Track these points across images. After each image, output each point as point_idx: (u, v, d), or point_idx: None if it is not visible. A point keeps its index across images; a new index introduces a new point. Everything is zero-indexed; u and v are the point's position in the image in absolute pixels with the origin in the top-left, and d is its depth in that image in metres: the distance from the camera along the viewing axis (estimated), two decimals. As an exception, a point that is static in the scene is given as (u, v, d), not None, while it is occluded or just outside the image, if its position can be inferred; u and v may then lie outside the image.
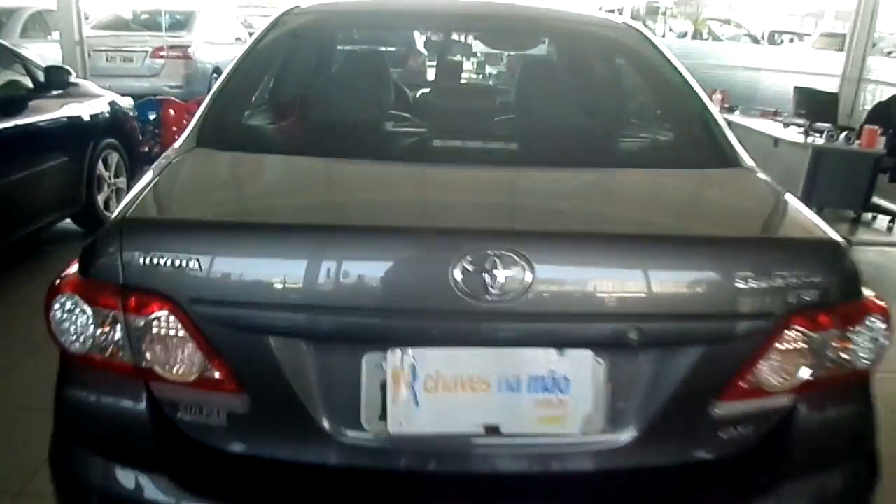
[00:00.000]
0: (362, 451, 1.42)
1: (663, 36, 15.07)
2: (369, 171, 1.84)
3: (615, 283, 1.41)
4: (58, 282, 1.48)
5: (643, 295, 1.41)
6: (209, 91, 2.21)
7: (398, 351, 1.38)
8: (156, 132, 6.60)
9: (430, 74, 4.60)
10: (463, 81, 4.72)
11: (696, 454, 1.51)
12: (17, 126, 4.08)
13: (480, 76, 6.56)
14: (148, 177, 1.72)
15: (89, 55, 7.57)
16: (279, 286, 1.36)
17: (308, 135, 2.14)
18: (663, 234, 1.55)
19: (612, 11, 9.03)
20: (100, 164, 4.91)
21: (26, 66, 4.51)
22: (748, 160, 1.98)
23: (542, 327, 1.40)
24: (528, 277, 1.35)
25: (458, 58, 4.63)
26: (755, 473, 1.50)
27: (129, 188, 5.15)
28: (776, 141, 6.54)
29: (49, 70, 4.60)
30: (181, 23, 9.94)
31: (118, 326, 1.40)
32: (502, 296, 1.35)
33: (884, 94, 7.47)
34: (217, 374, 1.40)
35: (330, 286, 1.37)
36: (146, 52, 9.19)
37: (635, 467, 1.46)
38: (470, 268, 1.34)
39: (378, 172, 1.84)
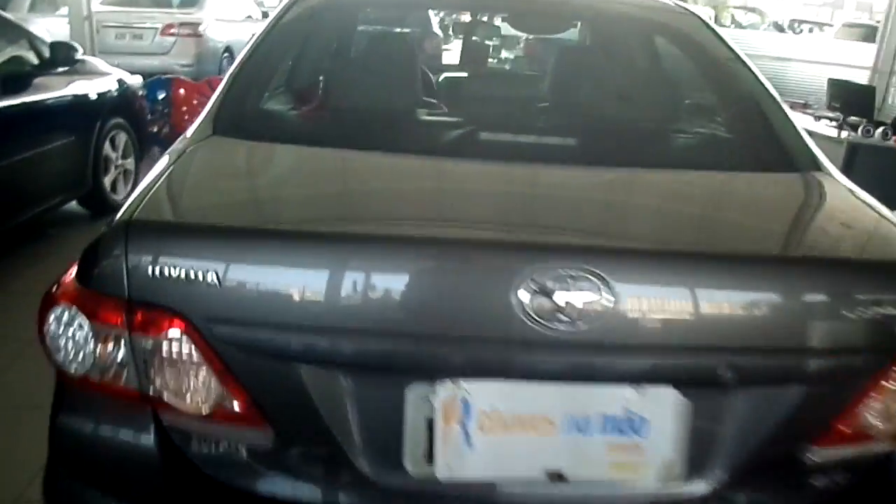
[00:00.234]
0: (405, 498, 1.22)
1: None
2: (412, 168, 1.63)
3: (706, 309, 1.20)
4: (54, 289, 1.28)
5: (739, 325, 1.20)
6: (221, 72, 1.99)
7: (449, 383, 1.18)
8: (165, 112, 6.39)
9: (459, 58, 4.33)
10: (501, 68, 4.43)
11: None
12: (20, 104, 3.88)
13: (496, 60, 6.29)
14: (158, 169, 1.51)
15: (98, 31, 7.35)
16: (312, 305, 1.16)
17: (336, 123, 1.91)
18: (763, 253, 1.34)
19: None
20: (107, 144, 4.72)
21: (31, 41, 4.30)
22: (827, 163, 1.77)
23: (618, 360, 1.20)
24: (606, 301, 1.14)
25: (492, 41, 4.37)
26: None
27: (137, 170, 5.08)
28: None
29: (55, 46, 4.39)
30: (191, 0, 9.70)
31: (122, 346, 1.20)
32: (574, 322, 1.14)
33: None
34: (236, 405, 1.20)
35: (371, 306, 1.17)
36: (156, 28, 8.95)
37: None
38: (537, 289, 1.14)
39: (421, 170, 1.63)
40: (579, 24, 3.23)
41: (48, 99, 4.13)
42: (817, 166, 1.75)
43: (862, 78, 7.56)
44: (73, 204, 4.64)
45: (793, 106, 7.37)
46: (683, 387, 1.21)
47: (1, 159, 3.65)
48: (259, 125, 1.82)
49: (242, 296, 1.17)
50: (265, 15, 10.98)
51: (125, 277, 1.18)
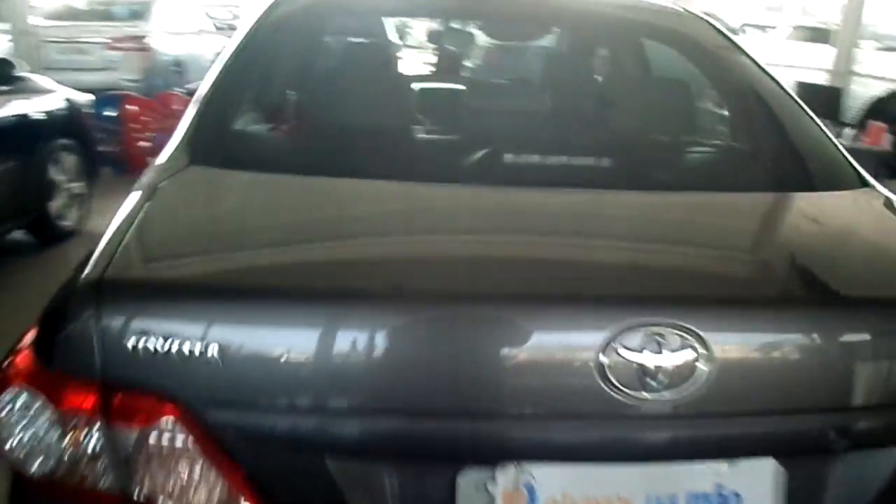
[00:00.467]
0: None
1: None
2: (436, 201, 1.39)
3: (815, 365, 1.01)
4: (4, 364, 1.03)
5: (849, 381, 1.01)
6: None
7: (511, 467, 0.96)
8: (115, 131, 6.03)
9: (454, 69, 3.97)
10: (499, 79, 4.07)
11: None
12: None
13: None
14: (128, 209, 1.23)
15: (40, 47, 6.94)
16: (340, 381, 0.94)
17: (332, 147, 1.61)
18: (879, 297, 1.14)
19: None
20: (53, 167, 4.38)
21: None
22: (869, 177, 1.61)
23: (712, 430, 1.00)
24: (702, 363, 0.94)
25: (491, 44, 4.06)
26: None
27: (88, 194, 4.73)
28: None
29: (-14, 63, 4.07)
30: (139, 12, 9.26)
31: (97, 439, 0.95)
32: (664, 389, 0.94)
33: (871, 89, 7.28)
34: None
35: (415, 379, 0.95)
36: (102, 43, 8.52)
37: None
38: (621, 350, 0.93)
39: (448, 202, 1.38)
40: (565, 29, 2.96)
41: (-21, 121, 3.80)
42: (864, 182, 1.58)
43: (819, 80, 7.59)
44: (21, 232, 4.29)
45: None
46: (783, 456, 1.02)
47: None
48: (244, 152, 1.56)
49: (251, 372, 0.93)
50: (219, 28, 10.65)
51: (97, 353, 0.93)
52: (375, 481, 0.96)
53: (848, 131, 5.85)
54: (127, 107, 6.20)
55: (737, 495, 1.01)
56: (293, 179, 1.42)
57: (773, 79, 1.86)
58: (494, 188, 1.42)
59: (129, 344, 0.92)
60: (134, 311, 0.95)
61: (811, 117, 1.75)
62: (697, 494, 1.00)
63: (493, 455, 0.97)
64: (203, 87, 1.65)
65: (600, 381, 0.93)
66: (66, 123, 4.51)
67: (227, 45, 1.81)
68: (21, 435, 0.97)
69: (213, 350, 0.91)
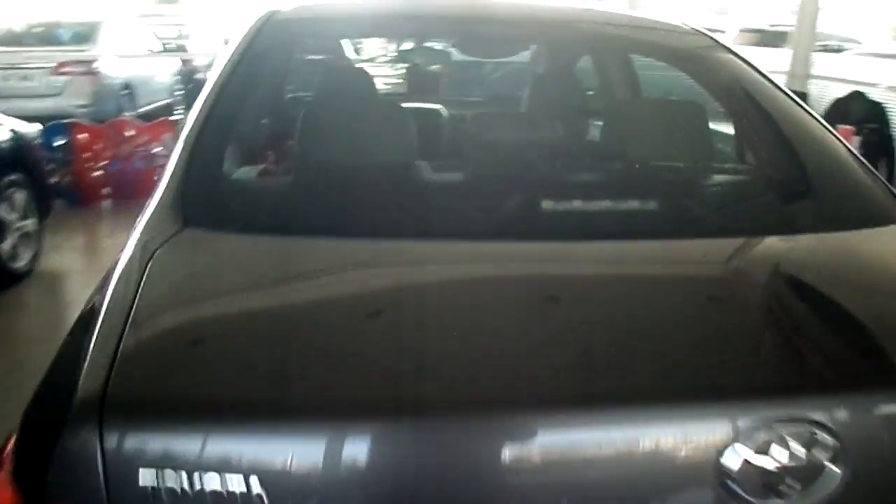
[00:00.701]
0: None
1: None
2: (480, 267, 1.18)
3: None
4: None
5: None
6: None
7: None
8: (66, 160, 5.71)
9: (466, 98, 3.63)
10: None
11: None
12: None
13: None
14: (119, 291, 1.02)
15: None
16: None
17: (349, 198, 1.36)
18: None
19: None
20: (2, 205, 4.09)
21: None
22: None
23: None
24: (836, 466, 0.80)
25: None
26: None
27: (40, 231, 4.41)
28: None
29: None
30: (84, 35, 8.92)
31: None
32: (795, 494, 0.79)
33: (830, 91, 7.35)
34: None
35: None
36: (46, 68, 8.15)
37: None
38: (749, 453, 0.78)
39: (495, 266, 1.18)
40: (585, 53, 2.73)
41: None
42: None
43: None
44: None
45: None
46: None
47: None
48: (247, 208, 1.36)
49: None
50: (167, 48, 10.31)
51: (104, 496, 0.74)
52: None
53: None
54: (77, 135, 5.90)
55: None
56: (309, 244, 1.21)
57: (808, 112, 1.71)
58: (536, 244, 1.24)
59: (149, 483, 0.74)
60: (151, 438, 0.76)
61: (849, 147, 1.62)
62: None
63: None
64: (189, 125, 1.42)
65: (722, 491, 0.78)
66: (14, 158, 4.22)
67: (212, 74, 1.60)
68: None
69: (255, 483, 0.73)
